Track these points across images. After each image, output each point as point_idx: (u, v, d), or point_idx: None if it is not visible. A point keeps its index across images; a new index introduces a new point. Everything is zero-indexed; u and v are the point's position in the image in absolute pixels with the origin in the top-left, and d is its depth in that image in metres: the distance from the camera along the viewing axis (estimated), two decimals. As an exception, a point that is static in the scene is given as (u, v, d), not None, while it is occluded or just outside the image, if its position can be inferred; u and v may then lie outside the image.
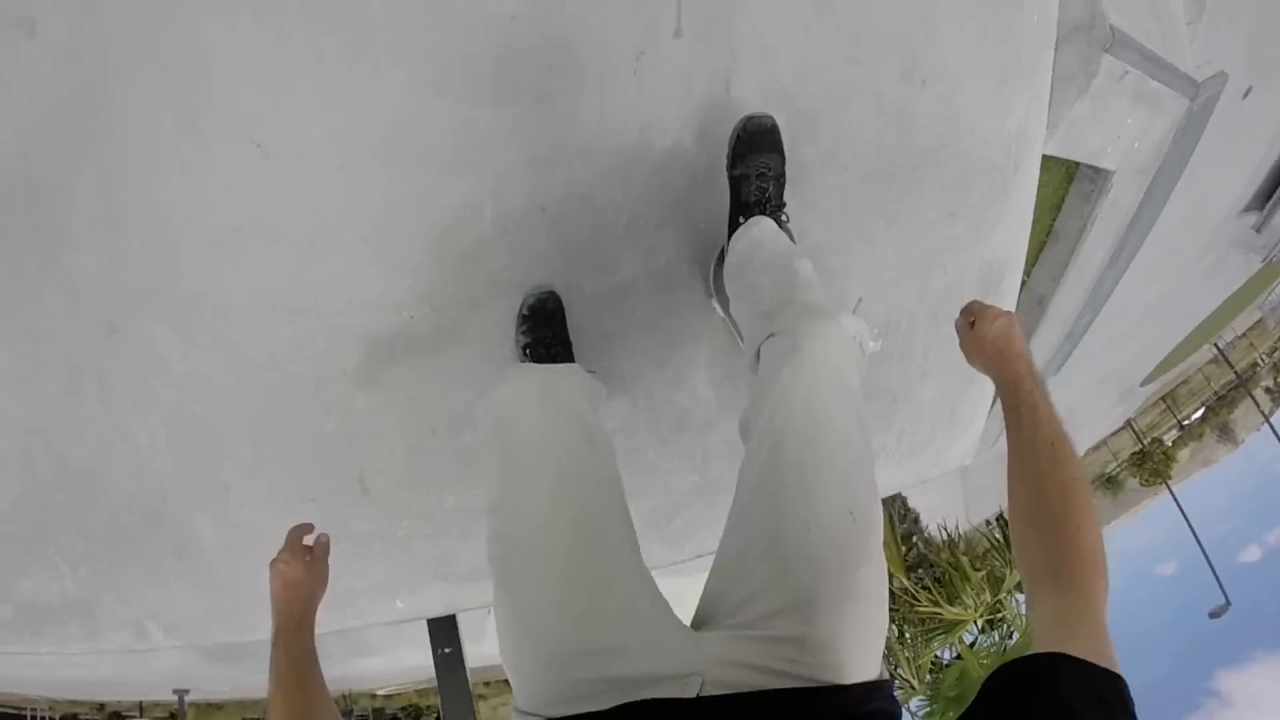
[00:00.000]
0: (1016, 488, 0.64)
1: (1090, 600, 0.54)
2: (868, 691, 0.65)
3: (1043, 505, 0.61)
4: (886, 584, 0.74)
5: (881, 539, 0.75)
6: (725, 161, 1.14)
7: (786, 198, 1.15)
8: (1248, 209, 9.17)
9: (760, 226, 1.08)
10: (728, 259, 1.14)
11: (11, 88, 0.90)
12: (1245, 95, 4.63)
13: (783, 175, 1.14)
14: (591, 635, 0.67)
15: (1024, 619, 4.97)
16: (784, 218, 1.15)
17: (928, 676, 5.33)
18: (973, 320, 0.78)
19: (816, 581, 0.68)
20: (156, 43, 0.90)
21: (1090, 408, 14.00)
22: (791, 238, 1.14)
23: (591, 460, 0.80)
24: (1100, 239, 3.76)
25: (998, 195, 1.55)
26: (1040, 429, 0.64)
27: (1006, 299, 1.80)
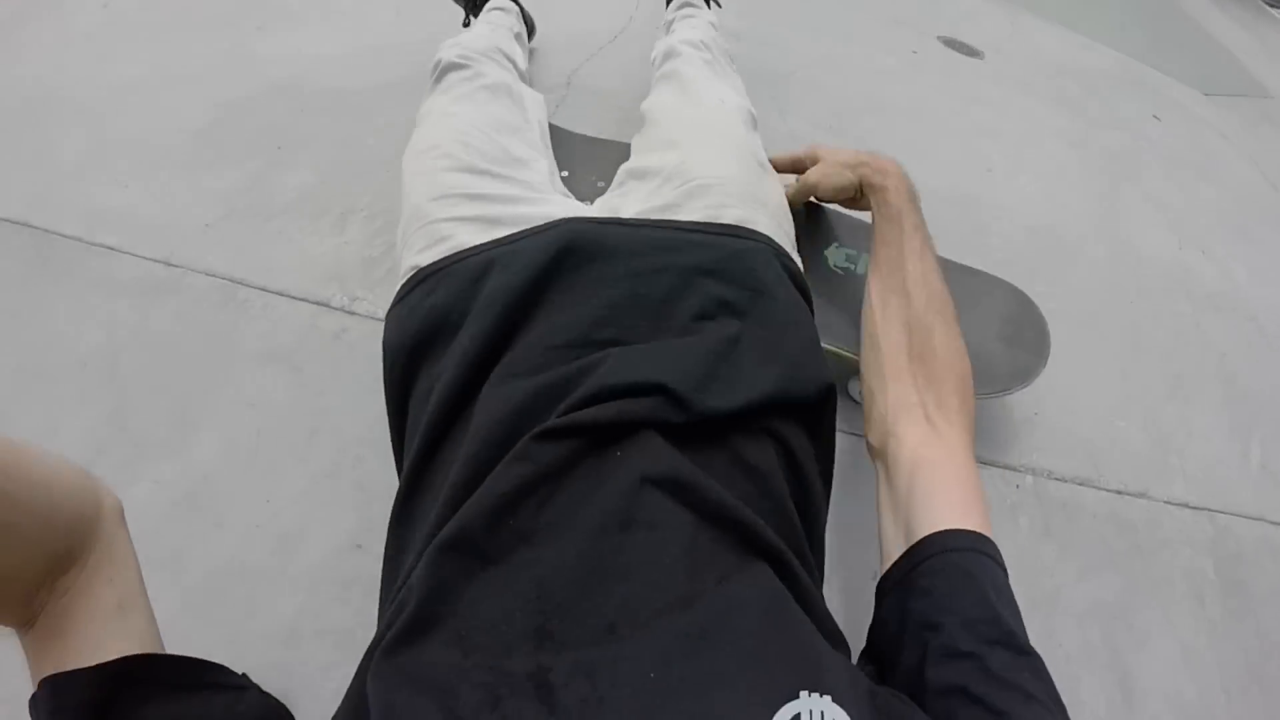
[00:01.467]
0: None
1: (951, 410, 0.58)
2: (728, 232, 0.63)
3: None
4: (764, 173, 0.79)
5: (746, 133, 0.84)
6: None
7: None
8: None
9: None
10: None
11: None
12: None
13: None
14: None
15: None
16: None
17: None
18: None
19: (688, 131, 0.79)
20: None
21: None
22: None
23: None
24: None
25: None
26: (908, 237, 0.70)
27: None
